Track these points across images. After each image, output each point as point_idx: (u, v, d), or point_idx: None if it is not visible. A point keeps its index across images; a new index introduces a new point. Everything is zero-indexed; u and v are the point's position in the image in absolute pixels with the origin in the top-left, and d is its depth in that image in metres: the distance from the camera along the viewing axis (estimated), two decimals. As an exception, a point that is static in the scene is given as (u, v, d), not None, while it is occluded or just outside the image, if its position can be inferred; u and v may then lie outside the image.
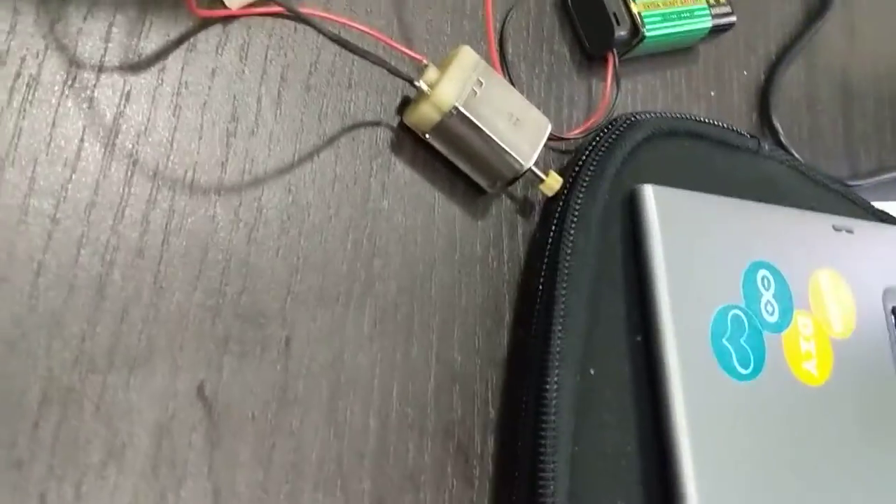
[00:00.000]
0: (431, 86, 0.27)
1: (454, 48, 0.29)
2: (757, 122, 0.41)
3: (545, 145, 0.30)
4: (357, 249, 0.27)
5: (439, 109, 0.27)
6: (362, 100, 0.29)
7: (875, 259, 0.36)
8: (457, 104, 0.27)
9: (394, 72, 0.27)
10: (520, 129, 0.29)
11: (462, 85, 0.28)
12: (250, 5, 0.26)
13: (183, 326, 0.23)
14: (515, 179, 0.29)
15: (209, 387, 0.23)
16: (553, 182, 0.29)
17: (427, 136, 0.28)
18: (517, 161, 0.28)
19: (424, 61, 0.28)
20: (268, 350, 0.24)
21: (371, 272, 0.27)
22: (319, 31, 0.25)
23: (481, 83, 0.28)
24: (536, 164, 0.29)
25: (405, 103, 0.29)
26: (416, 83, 0.27)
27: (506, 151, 0.28)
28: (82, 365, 0.21)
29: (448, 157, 0.29)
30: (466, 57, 0.28)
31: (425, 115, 0.27)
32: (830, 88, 0.45)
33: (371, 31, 0.27)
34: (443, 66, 0.28)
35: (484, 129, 0.28)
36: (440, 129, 0.28)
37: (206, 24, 0.26)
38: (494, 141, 0.28)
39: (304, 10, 0.25)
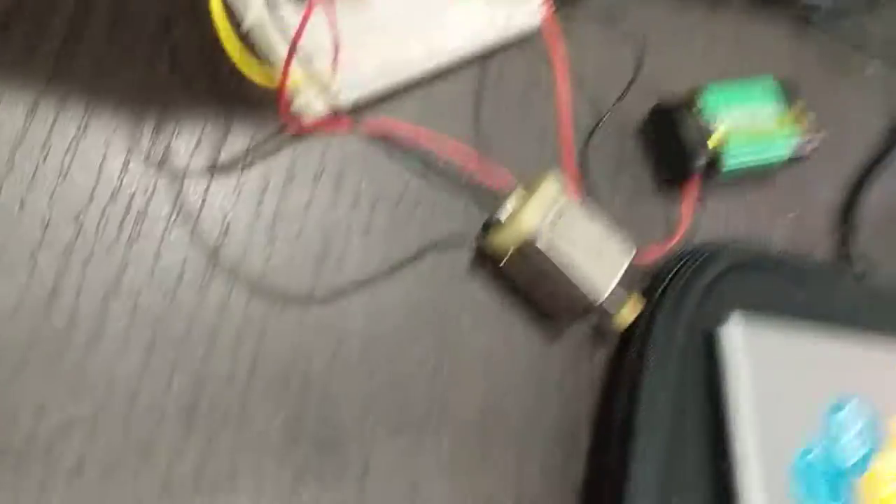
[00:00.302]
0: (513, 214, 0.28)
1: (541, 174, 0.30)
2: (838, 247, 0.40)
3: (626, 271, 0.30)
4: (436, 376, 0.27)
5: (517, 239, 0.28)
6: (445, 226, 0.30)
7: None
8: (534, 236, 0.28)
9: (478, 201, 0.28)
10: (596, 263, 0.29)
11: (543, 215, 0.28)
12: (332, 120, 0.28)
13: (265, 453, 0.24)
14: (587, 312, 0.29)
15: (288, 515, 0.24)
16: (628, 315, 0.29)
17: (503, 264, 0.29)
18: (588, 297, 0.28)
19: (509, 187, 0.29)
20: (345, 478, 0.25)
21: (448, 399, 0.27)
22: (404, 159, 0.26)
23: (562, 214, 0.29)
24: (612, 297, 0.29)
25: (487, 228, 0.30)
26: (497, 213, 0.28)
27: (578, 286, 0.28)
28: (169, 491, 0.22)
29: (522, 286, 0.29)
30: (550, 186, 0.29)
31: (504, 242, 0.28)
32: (918, 210, 0.45)
33: (458, 154, 0.28)
34: (527, 193, 0.29)
35: (557, 263, 0.28)
36: (517, 257, 0.29)
37: (305, 151, 0.28)
38: (566, 276, 0.28)
39: (393, 125, 0.27)
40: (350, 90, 0.28)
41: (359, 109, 0.29)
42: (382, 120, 0.29)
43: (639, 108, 0.37)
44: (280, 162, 0.27)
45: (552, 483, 0.28)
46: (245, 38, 0.27)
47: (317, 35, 0.27)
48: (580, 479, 0.29)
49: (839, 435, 0.30)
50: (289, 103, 0.27)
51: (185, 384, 0.24)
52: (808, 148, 0.38)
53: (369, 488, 0.25)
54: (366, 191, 0.29)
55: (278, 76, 0.26)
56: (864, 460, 0.30)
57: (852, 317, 0.35)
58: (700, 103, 0.36)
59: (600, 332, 0.31)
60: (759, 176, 0.39)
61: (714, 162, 0.35)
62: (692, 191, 0.36)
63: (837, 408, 0.30)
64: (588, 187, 0.34)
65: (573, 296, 0.29)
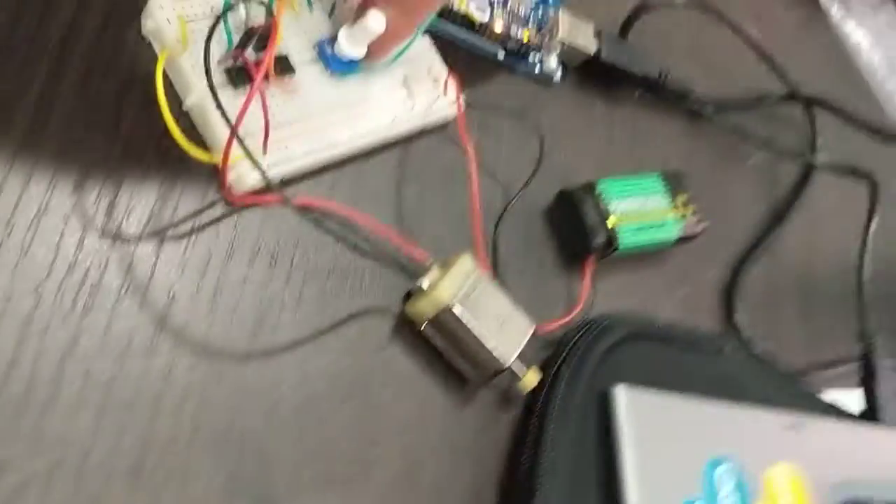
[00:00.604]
0: (433, 284, 0.32)
1: (456, 254, 0.33)
2: (722, 319, 0.45)
3: (528, 342, 0.34)
4: (360, 437, 0.30)
5: (436, 306, 0.31)
6: (371, 296, 0.33)
7: (828, 453, 0.39)
8: (451, 303, 0.31)
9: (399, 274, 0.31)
10: (504, 331, 0.33)
11: (458, 286, 0.32)
12: (260, 193, 0.31)
13: (205, 508, 0.26)
14: (496, 374, 0.33)
15: (224, 564, 0.26)
16: (531, 379, 0.33)
17: (423, 328, 0.32)
18: (498, 360, 0.32)
19: (428, 262, 0.33)
20: (276, 530, 0.27)
21: (370, 459, 0.30)
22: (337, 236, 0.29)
23: (475, 287, 0.32)
24: (518, 361, 0.33)
25: (408, 297, 0.33)
26: (419, 283, 0.32)
27: (488, 350, 0.32)
28: (116, 543, 0.25)
29: (439, 350, 0.33)
30: (465, 263, 0.33)
31: (423, 309, 0.32)
32: (792, 287, 0.50)
33: (381, 231, 0.32)
34: (444, 267, 0.33)
35: (471, 328, 0.32)
36: (435, 323, 0.32)
37: (244, 228, 0.31)
38: (479, 340, 0.32)
39: (320, 203, 0.31)
40: (279, 167, 0.31)
41: (289, 184, 0.32)
42: (310, 198, 0.32)
43: (545, 194, 0.41)
44: (221, 238, 0.30)
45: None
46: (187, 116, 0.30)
47: (249, 119, 0.30)
48: (489, 534, 0.32)
49: (718, 489, 0.34)
50: (226, 177, 0.30)
51: (132, 444, 0.26)
52: (694, 231, 0.43)
53: (298, 540, 0.28)
54: (298, 265, 0.32)
55: (216, 153, 0.30)
56: (740, 513, 0.34)
57: (732, 383, 0.39)
58: (599, 190, 0.40)
59: (507, 397, 0.35)
60: (651, 255, 0.43)
61: (611, 241, 0.39)
62: (591, 268, 0.40)
63: (715, 464, 0.34)
64: (500, 264, 0.37)
65: (484, 359, 0.32)
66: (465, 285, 0.32)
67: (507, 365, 0.32)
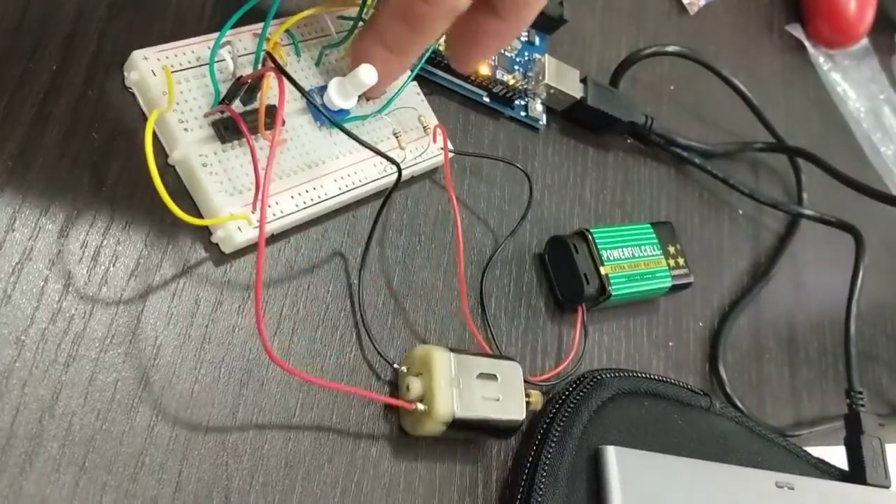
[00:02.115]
0: (427, 403, 0.30)
1: (416, 350, 0.32)
2: (706, 372, 0.45)
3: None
4: (345, 497, 0.29)
5: (443, 422, 0.30)
6: (358, 353, 0.32)
7: (814, 514, 0.39)
8: (456, 413, 0.30)
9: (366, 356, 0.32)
10: (503, 393, 0.32)
11: (451, 391, 0.30)
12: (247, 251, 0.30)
13: (185, 570, 0.25)
14: (515, 432, 0.33)
15: None
16: (536, 400, 0.33)
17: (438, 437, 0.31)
18: (512, 424, 0.32)
19: (395, 366, 0.32)
20: None
21: (356, 518, 0.29)
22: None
23: (460, 381, 0.31)
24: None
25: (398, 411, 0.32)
26: (416, 406, 0.30)
27: (503, 422, 0.32)
28: None
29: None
30: (438, 359, 0.31)
31: (432, 430, 0.31)
32: (777, 338, 0.50)
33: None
34: (418, 369, 0.31)
35: (481, 417, 0.31)
36: (446, 434, 0.31)
37: (233, 277, 0.30)
38: (492, 422, 0.31)
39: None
40: (268, 224, 0.30)
41: (278, 238, 0.31)
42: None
43: (534, 240, 0.40)
44: (209, 288, 0.29)
45: None
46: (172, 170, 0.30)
47: (238, 173, 0.30)
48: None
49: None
50: (210, 234, 0.30)
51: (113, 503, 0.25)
52: (685, 282, 0.43)
53: None
54: (287, 317, 0.31)
55: (202, 208, 0.29)
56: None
57: (721, 441, 0.39)
58: (591, 238, 0.40)
59: (499, 455, 0.34)
60: (641, 303, 0.43)
61: (604, 290, 0.39)
62: (582, 316, 0.39)
63: (704, 527, 0.34)
64: (488, 312, 0.37)
65: (501, 429, 0.32)
66: (453, 386, 0.30)
67: (521, 419, 0.32)
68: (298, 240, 0.32)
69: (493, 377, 0.32)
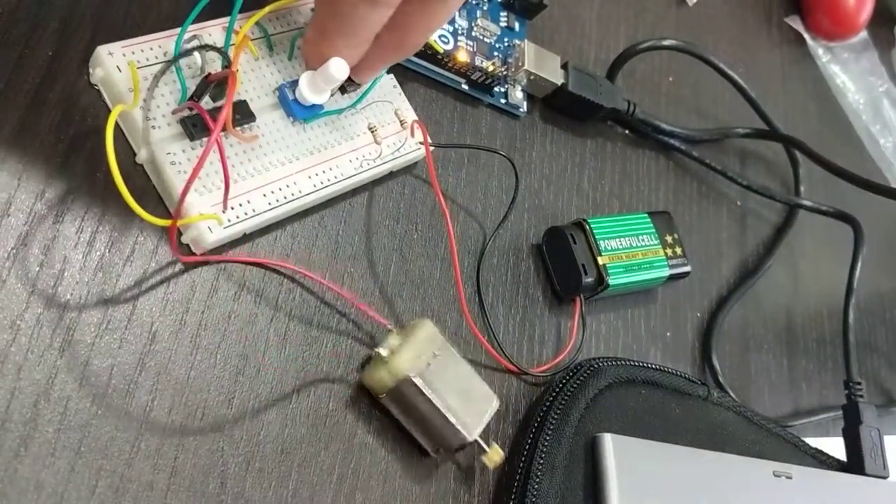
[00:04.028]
0: (392, 353, 0.30)
1: (417, 320, 0.32)
2: (699, 362, 0.45)
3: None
4: (341, 483, 0.29)
5: (394, 376, 0.30)
6: (358, 340, 0.32)
7: (812, 503, 0.39)
8: (411, 374, 0.30)
9: (356, 338, 0.31)
10: (467, 403, 0.31)
11: (418, 356, 0.30)
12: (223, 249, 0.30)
13: (180, 555, 0.25)
14: (460, 449, 0.31)
15: None
16: (494, 455, 0.31)
17: (381, 397, 0.31)
18: (461, 433, 0.30)
19: (388, 326, 0.31)
20: (254, 579, 0.27)
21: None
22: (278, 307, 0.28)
23: (436, 356, 0.31)
24: (482, 436, 0.31)
25: (366, 363, 0.32)
26: (377, 349, 0.30)
27: (451, 423, 0.30)
28: None
29: (399, 420, 0.31)
30: (426, 330, 0.31)
31: (381, 379, 0.30)
32: (775, 329, 0.50)
33: (340, 291, 0.31)
34: (404, 334, 0.31)
35: (433, 400, 0.30)
36: (393, 393, 0.30)
37: (228, 271, 0.30)
38: (442, 412, 0.30)
39: (279, 263, 0.30)
40: (240, 224, 0.29)
41: (251, 238, 0.31)
42: (264, 260, 0.31)
43: (529, 230, 0.40)
44: (205, 275, 0.29)
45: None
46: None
47: (208, 171, 0.29)
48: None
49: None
50: (180, 236, 0.29)
51: (108, 488, 0.25)
52: (683, 271, 0.43)
53: (276, 589, 0.27)
54: (283, 305, 0.31)
55: (171, 207, 0.29)
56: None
57: (719, 430, 0.39)
58: (589, 228, 0.40)
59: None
60: (639, 293, 0.43)
61: (601, 280, 0.39)
62: (580, 307, 0.39)
63: (701, 514, 0.34)
64: (486, 303, 0.37)
65: (446, 432, 0.30)
66: (425, 354, 0.30)
67: (470, 439, 0.30)
68: (295, 228, 0.32)
69: (465, 389, 0.31)
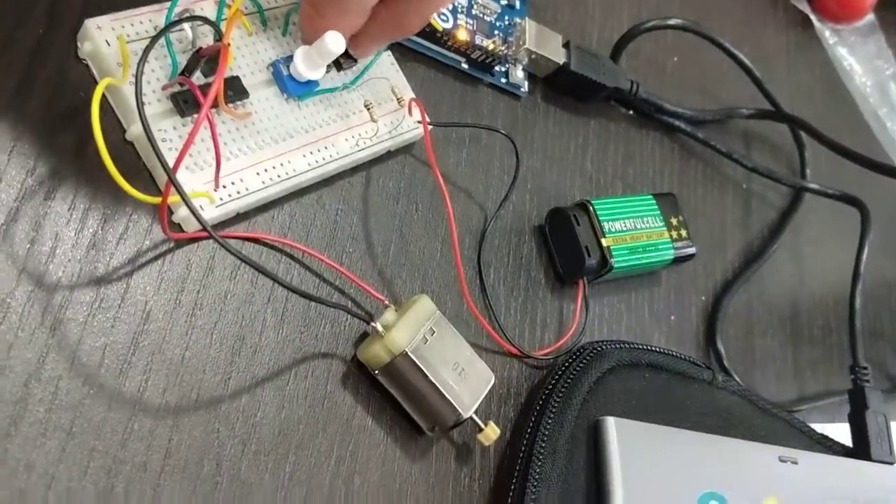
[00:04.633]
0: (387, 328, 0.30)
1: (415, 296, 0.32)
2: (704, 346, 0.44)
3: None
4: (339, 466, 0.29)
5: (390, 351, 0.29)
6: (355, 320, 0.31)
7: (817, 488, 0.38)
8: (407, 349, 0.29)
9: (352, 313, 0.30)
10: (463, 380, 0.30)
11: (415, 331, 0.30)
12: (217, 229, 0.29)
13: (175, 538, 0.25)
14: (455, 426, 0.30)
15: None
16: (490, 433, 0.31)
17: (376, 373, 0.30)
18: (456, 410, 0.30)
19: (385, 302, 0.31)
20: (251, 563, 0.26)
21: (351, 488, 0.29)
22: (270, 276, 0.28)
23: (433, 332, 0.30)
24: (477, 414, 0.31)
25: (362, 339, 0.31)
26: (373, 323, 0.30)
27: (447, 399, 0.30)
28: (80, 576, 0.23)
29: (395, 396, 0.31)
30: (423, 305, 0.31)
31: (377, 354, 0.29)
32: (780, 314, 0.49)
33: (338, 268, 0.30)
34: (401, 310, 0.31)
35: (429, 375, 0.29)
36: (389, 369, 0.30)
37: (223, 250, 0.29)
38: (437, 388, 0.29)
39: (276, 239, 0.29)
40: (232, 203, 0.29)
41: (244, 216, 0.30)
42: (260, 235, 0.30)
43: (532, 212, 0.40)
44: (200, 254, 0.29)
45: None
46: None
47: (199, 148, 0.28)
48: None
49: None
50: (170, 213, 0.28)
51: (100, 471, 0.24)
52: (687, 254, 0.42)
53: (273, 573, 0.26)
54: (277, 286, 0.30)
55: (162, 186, 0.28)
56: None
57: (723, 415, 0.38)
58: (592, 210, 0.39)
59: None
60: (643, 276, 0.42)
61: (605, 262, 0.38)
62: (583, 289, 0.39)
63: (707, 499, 0.33)
64: (487, 285, 0.36)
65: (442, 408, 0.30)
66: (422, 330, 0.30)
67: (466, 416, 0.30)
68: (293, 206, 0.32)
69: (461, 366, 0.31)
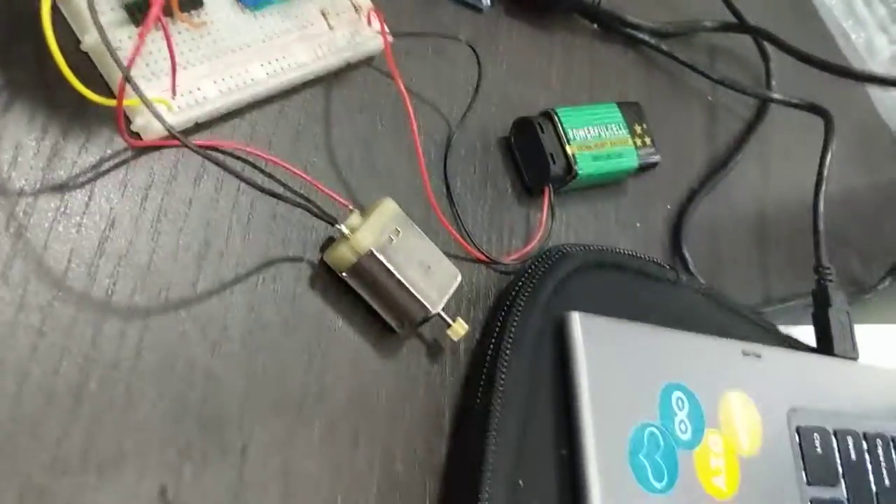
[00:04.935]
0: (352, 230, 0.30)
1: (378, 200, 0.32)
2: (670, 252, 0.45)
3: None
4: (311, 363, 0.30)
5: (356, 252, 0.30)
6: (323, 224, 0.32)
7: (781, 382, 0.39)
8: (372, 248, 0.30)
9: (317, 214, 0.30)
10: (430, 277, 0.31)
11: (380, 232, 0.30)
12: (172, 137, 0.28)
13: (150, 433, 0.26)
14: (423, 322, 0.31)
15: (171, 490, 0.25)
16: (459, 328, 0.31)
17: (344, 274, 0.31)
18: (424, 305, 0.31)
19: (350, 207, 0.31)
20: (225, 456, 0.27)
21: (323, 385, 0.30)
22: (240, 177, 0.28)
23: (399, 232, 0.31)
24: (446, 310, 0.31)
25: (327, 244, 0.32)
26: (338, 226, 0.30)
27: (414, 296, 0.30)
28: (57, 468, 0.24)
29: (363, 297, 0.31)
30: (388, 207, 0.31)
31: (343, 255, 0.30)
32: (746, 221, 0.50)
33: (302, 175, 0.30)
34: (366, 214, 0.31)
35: (395, 273, 0.30)
36: (356, 270, 0.30)
37: (187, 155, 0.29)
38: (405, 285, 0.30)
39: (239, 146, 0.29)
40: (190, 110, 0.29)
41: (205, 126, 0.30)
42: (220, 143, 0.30)
43: (498, 124, 0.40)
44: (163, 161, 0.29)
45: (416, 466, 0.31)
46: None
47: (155, 57, 0.28)
48: (443, 462, 0.31)
49: (673, 414, 0.34)
50: (128, 122, 0.28)
51: (72, 368, 0.25)
52: (652, 161, 0.42)
53: (248, 466, 0.27)
54: (246, 192, 0.31)
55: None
56: (696, 437, 0.34)
57: (688, 313, 0.39)
58: (557, 118, 0.39)
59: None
60: (608, 186, 0.43)
61: (570, 169, 0.39)
62: (549, 198, 0.39)
63: (671, 389, 0.34)
64: (455, 196, 0.37)
65: (409, 305, 0.30)
66: (387, 230, 0.30)
67: (434, 311, 0.31)
68: (254, 117, 0.32)
69: (428, 264, 0.31)
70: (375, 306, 0.31)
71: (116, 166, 0.28)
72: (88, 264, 0.26)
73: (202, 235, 0.29)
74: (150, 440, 0.26)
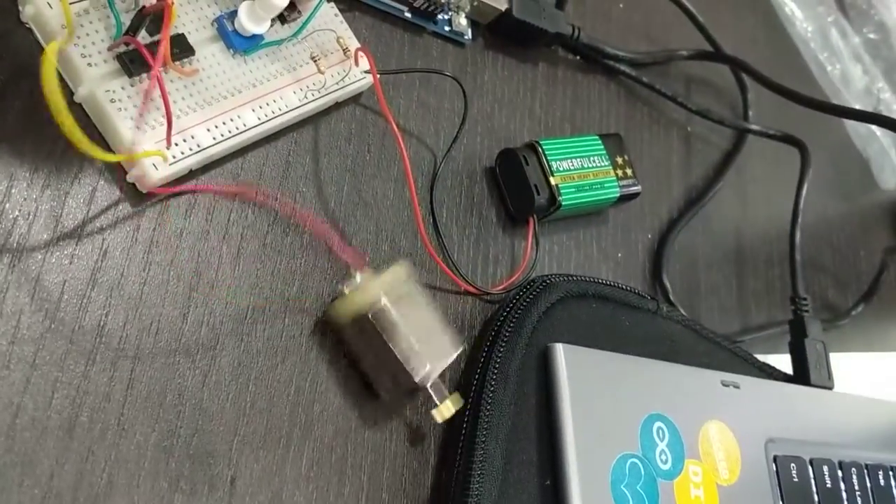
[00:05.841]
0: (358, 287, 0.30)
1: (394, 263, 0.32)
2: (650, 281, 0.46)
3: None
4: (299, 395, 0.30)
5: (366, 301, 0.30)
6: (311, 259, 0.32)
7: (759, 412, 0.40)
8: (383, 300, 0.30)
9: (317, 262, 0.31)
10: (428, 347, 0.31)
11: (390, 289, 0.31)
12: (176, 182, 0.29)
13: (140, 465, 0.26)
14: (412, 391, 0.31)
15: (161, 522, 0.26)
16: (445, 410, 0.31)
17: (345, 332, 0.31)
18: (415, 376, 0.30)
19: (363, 265, 0.32)
20: (214, 489, 0.27)
21: (311, 416, 0.30)
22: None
23: (404, 297, 0.31)
24: (436, 386, 0.31)
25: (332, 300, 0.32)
26: (353, 279, 0.30)
27: (407, 364, 0.30)
28: (49, 501, 0.24)
29: (356, 355, 0.31)
30: (400, 271, 0.31)
31: (351, 304, 0.30)
32: (724, 250, 0.51)
33: (321, 229, 0.31)
34: (376, 272, 0.31)
35: (400, 329, 0.30)
36: (359, 323, 0.30)
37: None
38: (402, 348, 0.30)
39: (250, 190, 0.30)
40: (185, 160, 0.29)
41: (200, 172, 0.31)
42: (217, 187, 0.31)
43: (483, 155, 0.41)
44: (154, 194, 0.29)
45: (402, 495, 0.31)
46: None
47: (150, 108, 0.28)
48: (427, 492, 0.32)
49: (654, 444, 0.35)
50: (125, 173, 0.29)
51: (64, 401, 0.25)
52: (633, 192, 0.43)
53: (236, 498, 0.27)
54: (236, 223, 0.31)
55: (114, 145, 0.28)
56: (676, 467, 0.35)
57: (667, 343, 0.40)
58: (541, 150, 0.40)
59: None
60: (590, 216, 0.44)
61: (554, 199, 0.39)
62: (533, 229, 0.40)
63: (652, 420, 0.35)
64: (441, 226, 0.37)
65: (403, 370, 0.30)
66: (396, 290, 0.31)
67: (424, 384, 0.31)
68: (244, 160, 0.32)
69: (430, 331, 0.31)
70: (367, 367, 0.31)
71: (108, 198, 0.28)
72: (81, 295, 0.27)
73: (193, 266, 0.29)
74: (141, 473, 0.26)
